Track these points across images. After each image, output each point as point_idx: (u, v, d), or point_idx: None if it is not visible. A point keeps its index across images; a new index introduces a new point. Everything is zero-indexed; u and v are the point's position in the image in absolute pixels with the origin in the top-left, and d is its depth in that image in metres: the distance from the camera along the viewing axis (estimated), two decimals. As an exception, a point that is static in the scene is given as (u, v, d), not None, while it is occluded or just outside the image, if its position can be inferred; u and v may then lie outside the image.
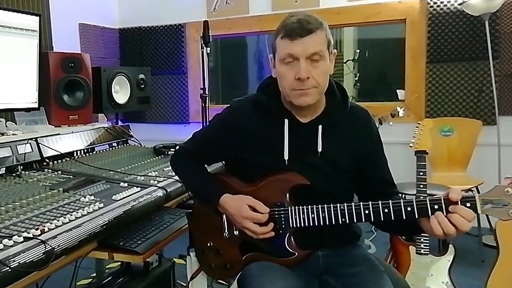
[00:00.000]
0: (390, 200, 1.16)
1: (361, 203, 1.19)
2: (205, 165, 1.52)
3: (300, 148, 1.30)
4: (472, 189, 2.89)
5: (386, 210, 1.16)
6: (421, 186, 1.93)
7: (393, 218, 1.15)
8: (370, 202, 1.18)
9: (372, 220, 1.17)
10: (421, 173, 1.93)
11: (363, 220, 1.19)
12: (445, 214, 1.08)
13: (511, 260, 1.98)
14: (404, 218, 1.14)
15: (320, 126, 1.29)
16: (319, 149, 1.29)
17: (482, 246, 2.94)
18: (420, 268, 2.04)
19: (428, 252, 2.04)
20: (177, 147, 1.57)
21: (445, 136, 3.30)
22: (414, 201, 1.13)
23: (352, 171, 1.33)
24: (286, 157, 1.29)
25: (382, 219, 1.16)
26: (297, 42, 1.19)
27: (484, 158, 3.25)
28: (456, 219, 1.06)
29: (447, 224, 1.06)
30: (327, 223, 1.21)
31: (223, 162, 1.56)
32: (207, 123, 1.54)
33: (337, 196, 1.26)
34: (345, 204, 1.20)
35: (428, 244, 2.04)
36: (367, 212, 1.17)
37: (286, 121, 1.30)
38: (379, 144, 1.38)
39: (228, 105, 1.42)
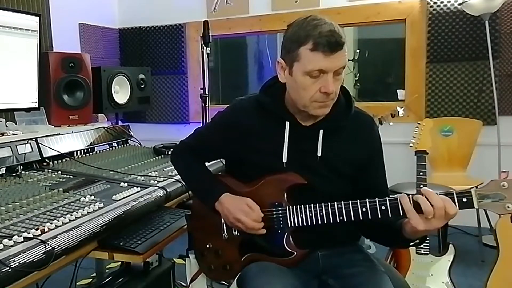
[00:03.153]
0: (386, 198, 1.16)
1: (358, 201, 1.18)
2: (205, 162, 1.52)
3: (299, 151, 1.30)
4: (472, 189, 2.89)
5: (383, 208, 1.15)
6: (421, 186, 1.93)
7: (390, 215, 1.15)
8: (367, 200, 1.17)
9: (370, 217, 1.17)
10: (421, 173, 1.93)
11: (361, 218, 1.18)
12: None
13: (511, 260, 1.98)
14: (401, 214, 1.13)
15: (321, 131, 1.29)
16: (319, 153, 1.29)
17: (482, 246, 2.94)
18: (420, 268, 2.04)
19: (428, 252, 2.04)
20: (178, 142, 1.57)
21: (445, 136, 3.30)
22: (411, 197, 1.12)
23: (351, 176, 1.33)
24: (284, 159, 1.29)
25: (379, 216, 1.16)
26: (331, 57, 1.15)
27: (484, 158, 3.25)
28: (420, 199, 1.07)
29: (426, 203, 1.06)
30: (325, 222, 1.21)
31: (223, 162, 1.56)
32: (209, 121, 1.53)
33: (335, 200, 1.24)
34: (343, 202, 1.20)
35: (428, 244, 2.04)
36: (364, 210, 1.17)
37: (287, 123, 1.30)
38: (379, 153, 1.37)
39: (230, 104, 1.42)
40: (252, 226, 1.25)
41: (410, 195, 1.11)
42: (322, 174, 1.29)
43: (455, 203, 1.08)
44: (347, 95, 1.34)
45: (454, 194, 1.08)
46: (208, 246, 1.40)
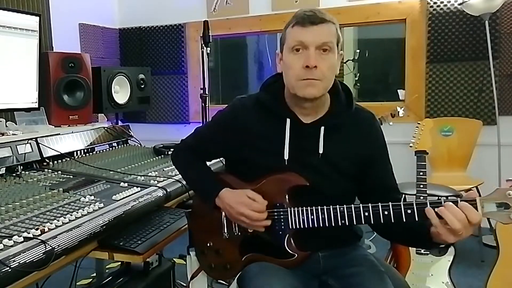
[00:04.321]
0: (390, 202, 1.16)
1: (361, 205, 1.18)
2: (206, 161, 1.52)
3: (301, 148, 1.29)
4: (472, 189, 2.89)
5: (386, 213, 1.15)
6: (421, 186, 1.93)
7: (393, 221, 1.14)
8: (370, 204, 1.17)
9: (372, 222, 1.17)
10: (421, 173, 1.93)
11: (363, 222, 1.18)
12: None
13: (511, 260, 1.98)
14: (404, 220, 1.13)
15: (322, 128, 1.29)
16: (320, 151, 1.28)
17: (482, 246, 2.94)
18: (420, 268, 2.04)
19: (428, 252, 2.04)
20: (179, 142, 1.57)
21: (445, 136, 3.30)
22: (414, 204, 1.12)
23: (353, 174, 1.32)
24: (286, 157, 1.29)
25: (382, 221, 1.15)
26: (309, 29, 1.19)
27: (484, 158, 3.25)
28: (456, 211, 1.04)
29: (457, 211, 1.03)
30: (327, 225, 1.21)
31: (223, 162, 1.56)
32: (210, 120, 1.54)
33: (337, 198, 1.25)
34: (345, 206, 1.20)
35: (428, 244, 2.04)
36: (366, 214, 1.17)
37: (288, 121, 1.30)
38: (383, 149, 1.36)
39: (231, 102, 1.42)
40: (257, 217, 1.23)
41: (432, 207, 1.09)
42: (324, 172, 1.29)
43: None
44: (348, 92, 1.35)
45: (459, 201, 1.07)
46: (208, 244, 1.39)
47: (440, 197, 2.37)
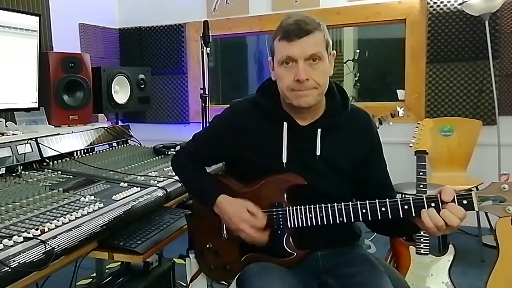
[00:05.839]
0: (387, 199, 1.16)
1: (358, 202, 1.19)
2: (206, 166, 1.52)
3: (299, 151, 1.30)
4: (472, 189, 2.88)
5: (383, 209, 1.16)
6: (421, 186, 1.93)
7: (390, 217, 1.15)
8: (367, 201, 1.18)
9: (370, 219, 1.17)
10: (421, 173, 1.93)
11: (361, 219, 1.19)
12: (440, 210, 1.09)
13: (511, 260, 1.98)
14: (402, 216, 1.14)
15: (319, 130, 1.29)
16: (318, 152, 1.29)
17: (482, 246, 2.94)
18: (420, 268, 2.04)
19: (428, 252, 2.04)
20: (178, 148, 1.57)
21: (445, 136, 3.30)
22: (411, 199, 1.13)
23: (352, 174, 1.33)
24: (284, 160, 1.29)
25: (379, 218, 1.16)
26: (295, 43, 1.19)
27: (484, 158, 3.25)
28: (446, 214, 1.07)
29: (438, 218, 1.08)
30: (325, 223, 1.21)
31: (223, 162, 1.57)
32: (207, 124, 1.54)
33: (336, 198, 1.25)
34: (343, 203, 1.20)
35: (428, 244, 2.04)
36: (364, 211, 1.17)
37: (285, 124, 1.30)
38: (378, 147, 1.38)
39: (228, 105, 1.42)
40: (258, 237, 1.25)
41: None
42: (322, 173, 1.30)
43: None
44: (343, 92, 1.35)
45: (455, 196, 1.08)
46: (208, 246, 1.40)
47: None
